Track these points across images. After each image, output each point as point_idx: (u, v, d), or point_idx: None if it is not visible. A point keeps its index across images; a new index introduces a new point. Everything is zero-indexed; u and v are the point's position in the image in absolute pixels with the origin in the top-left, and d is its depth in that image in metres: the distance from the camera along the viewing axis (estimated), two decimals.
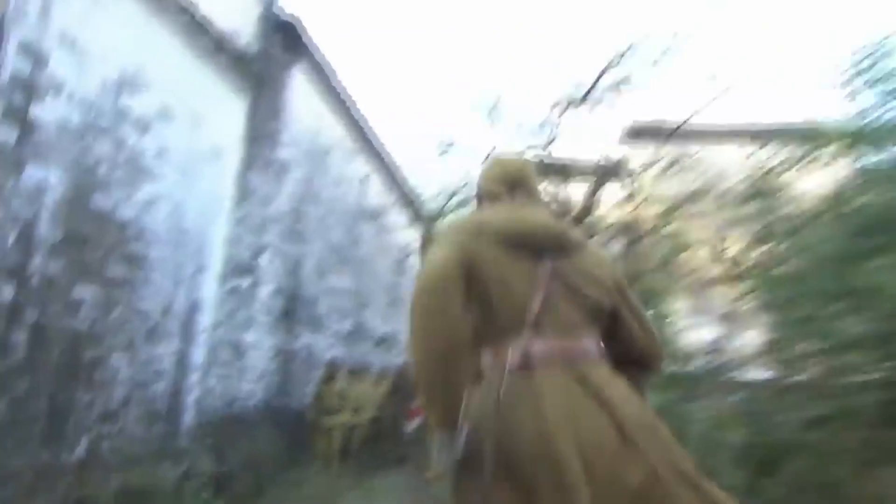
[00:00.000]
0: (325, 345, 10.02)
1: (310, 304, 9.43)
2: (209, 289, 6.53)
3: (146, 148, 5.34)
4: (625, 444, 1.30)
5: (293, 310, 8.81)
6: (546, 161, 8.84)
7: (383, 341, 13.01)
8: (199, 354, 6.37)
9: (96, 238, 4.79)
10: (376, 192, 12.63)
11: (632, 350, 1.60)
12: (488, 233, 1.52)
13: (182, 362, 6.07)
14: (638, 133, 14.24)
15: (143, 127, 5.29)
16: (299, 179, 8.75)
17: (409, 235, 16.08)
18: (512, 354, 1.39)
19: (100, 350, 4.90)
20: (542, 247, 1.53)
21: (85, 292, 4.71)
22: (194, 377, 6.32)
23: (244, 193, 7.15)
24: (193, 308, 6.23)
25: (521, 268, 1.49)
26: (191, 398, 6.26)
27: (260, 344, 7.79)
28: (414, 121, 13.18)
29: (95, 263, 4.80)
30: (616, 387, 1.42)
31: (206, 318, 6.49)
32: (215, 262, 6.62)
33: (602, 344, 1.55)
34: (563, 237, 1.60)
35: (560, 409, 1.31)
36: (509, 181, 1.75)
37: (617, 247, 8.57)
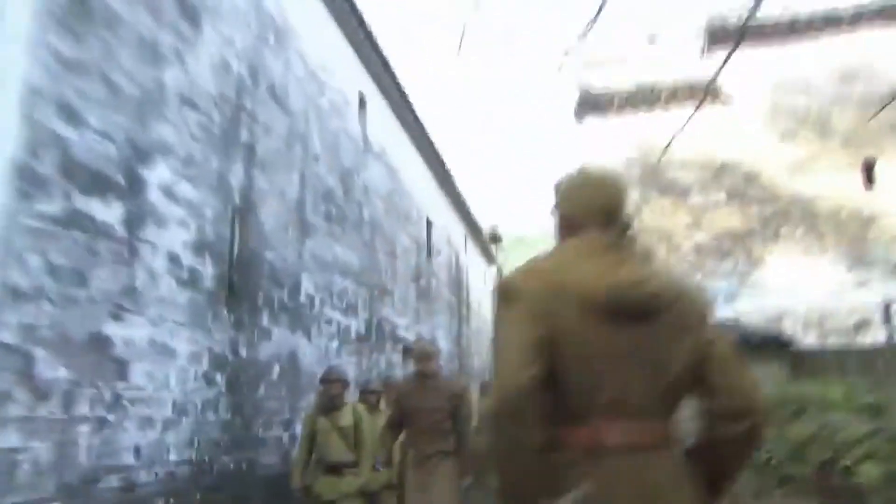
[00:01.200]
0: (318, 352, 5.99)
1: (283, 279, 5.43)
2: None
3: None
4: None
5: (247, 287, 4.83)
6: None
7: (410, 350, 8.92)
8: None
9: None
10: (384, 129, 8.69)
11: (719, 406, 1.34)
12: (569, 296, 1.30)
13: None
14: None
15: None
16: (235, 48, 4.82)
17: (439, 209, 12.07)
18: (581, 439, 1.29)
19: None
20: (629, 313, 1.30)
21: None
22: None
23: (79, 6, 3.23)
24: None
25: (601, 340, 1.30)
26: None
27: (167, 344, 3.81)
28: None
29: None
30: (673, 490, 1.29)
31: None
32: None
33: (675, 422, 1.38)
34: (655, 300, 1.32)
35: None
36: (602, 210, 1.42)
37: None
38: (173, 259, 3.91)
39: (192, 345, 4.05)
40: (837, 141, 10.98)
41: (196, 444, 4.03)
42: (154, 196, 3.74)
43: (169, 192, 3.90)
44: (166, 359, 3.78)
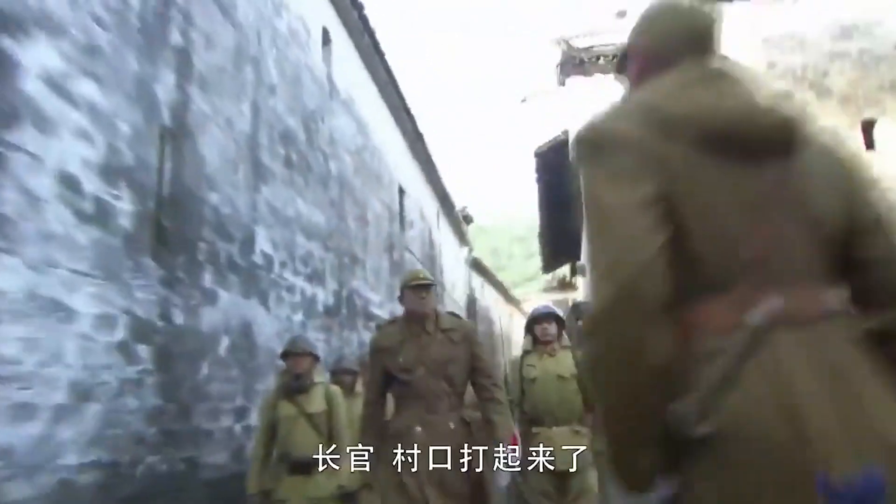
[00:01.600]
0: (278, 325, 4.90)
1: (233, 230, 4.31)
2: None
3: None
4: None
5: (183, 234, 3.71)
6: None
7: None
8: None
9: None
10: (353, 76, 7.57)
11: (872, 281, 0.99)
12: (684, 130, 0.94)
13: None
14: None
15: None
16: None
17: (411, 173, 11.00)
18: (723, 317, 0.90)
19: None
20: (764, 146, 0.97)
21: None
22: None
23: None
24: None
25: (732, 183, 0.95)
26: None
27: (60, 300, 2.68)
28: None
29: None
30: (867, 374, 0.89)
31: None
32: None
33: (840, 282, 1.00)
34: (791, 125, 0.98)
35: (808, 401, 0.84)
36: (697, 36, 1.06)
37: None
38: (68, 181, 2.77)
39: (100, 303, 2.92)
40: (835, 100, 10.37)
41: (108, 441, 2.91)
42: (31, 86, 2.59)
43: (57, 87, 2.74)
44: (58, 321, 2.65)
